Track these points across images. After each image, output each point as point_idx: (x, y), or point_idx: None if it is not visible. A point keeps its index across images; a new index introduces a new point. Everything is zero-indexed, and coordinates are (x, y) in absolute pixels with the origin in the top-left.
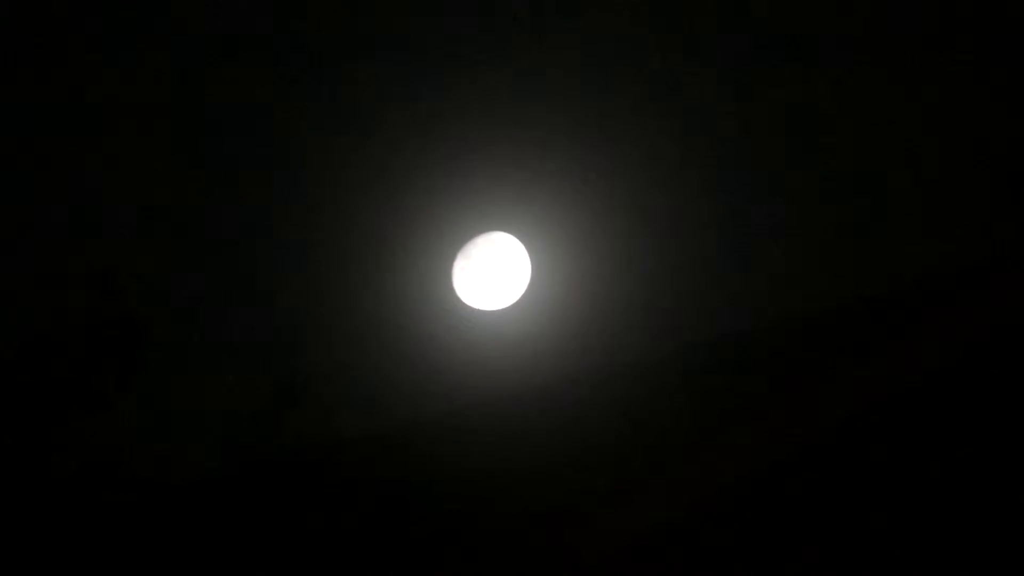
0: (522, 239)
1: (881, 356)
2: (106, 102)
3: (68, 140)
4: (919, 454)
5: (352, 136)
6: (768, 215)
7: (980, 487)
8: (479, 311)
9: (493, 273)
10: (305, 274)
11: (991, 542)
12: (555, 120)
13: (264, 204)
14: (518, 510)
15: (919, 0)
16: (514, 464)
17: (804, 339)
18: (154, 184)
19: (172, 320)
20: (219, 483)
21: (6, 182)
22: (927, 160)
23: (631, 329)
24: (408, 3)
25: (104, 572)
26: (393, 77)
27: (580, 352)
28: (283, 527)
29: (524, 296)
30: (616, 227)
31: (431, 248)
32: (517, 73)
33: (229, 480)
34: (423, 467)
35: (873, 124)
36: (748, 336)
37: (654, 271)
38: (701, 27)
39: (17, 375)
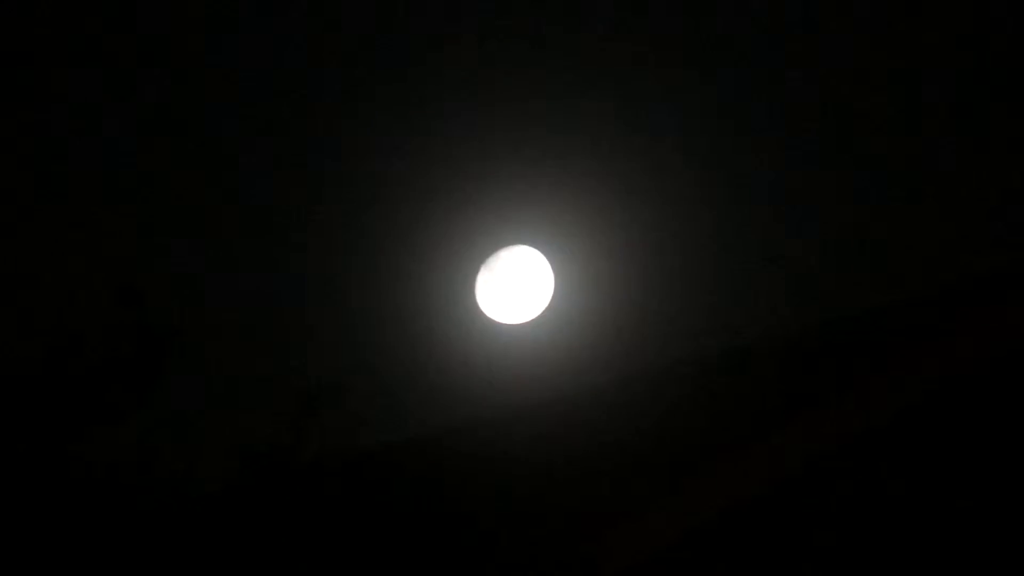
0: (545, 253)
1: (912, 362)
2: (130, 105)
3: (92, 145)
4: (941, 462)
5: (377, 149)
6: (795, 224)
7: (997, 500)
8: (502, 324)
9: (516, 287)
10: (328, 286)
11: (1007, 554)
12: (579, 135)
13: (287, 215)
14: (542, 518)
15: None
16: (537, 474)
17: (833, 346)
18: (176, 191)
19: (193, 329)
20: (240, 493)
21: (27, 190)
22: (941, 164)
23: (653, 341)
24: (438, 14)
25: None
26: (420, 90)
27: (602, 365)
28: (304, 536)
29: (547, 310)
30: (638, 241)
31: (455, 261)
32: (542, 87)
33: (250, 490)
34: (445, 477)
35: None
36: (773, 346)
37: (677, 284)
38: (728, 39)
39: (37, 384)
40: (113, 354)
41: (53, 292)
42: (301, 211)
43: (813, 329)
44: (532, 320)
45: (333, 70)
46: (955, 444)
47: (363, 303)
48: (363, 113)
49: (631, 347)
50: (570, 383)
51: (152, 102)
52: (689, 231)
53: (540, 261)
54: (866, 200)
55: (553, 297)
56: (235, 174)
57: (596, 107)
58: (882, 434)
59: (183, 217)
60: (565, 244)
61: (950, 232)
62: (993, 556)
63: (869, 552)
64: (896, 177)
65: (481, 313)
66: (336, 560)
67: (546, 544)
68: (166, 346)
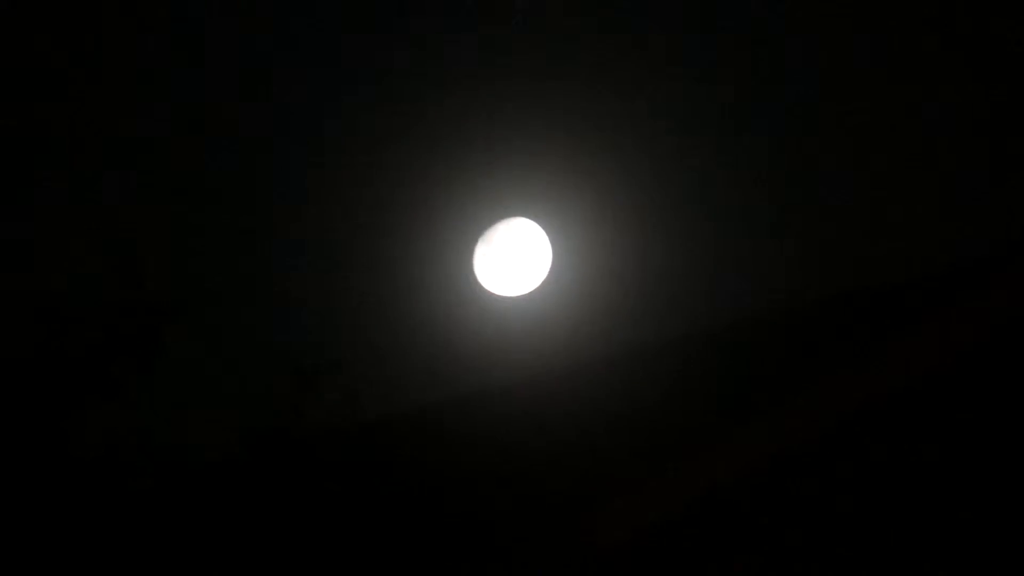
0: (543, 225)
1: (914, 338)
2: (131, 92)
3: (94, 129)
4: (940, 438)
5: (376, 123)
6: (796, 197)
7: (986, 486)
8: (500, 297)
9: (514, 259)
10: (325, 260)
11: (996, 542)
12: (577, 106)
13: (285, 189)
14: (536, 493)
15: None
16: (533, 448)
17: (832, 322)
18: (175, 164)
19: (192, 305)
20: (239, 467)
21: (28, 167)
22: (931, 152)
23: (652, 315)
24: None
25: (125, 559)
26: (419, 65)
27: (600, 338)
28: (303, 509)
29: (545, 282)
30: (637, 213)
31: (452, 234)
32: (541, 58)
33: (249, 463)
34: (442, 450)
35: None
36: (771, 321)
37: (675, 257)
38: (728, 15)
39: (37, 361)
40: (111, 330)
41: (51, 269)
42: (299, 185)
43: (813, 305)
44: (530, 292)
45: (333, 42)
46: (956, 420)
47: (361, 276)
48: (362, 87)
49: (629, 320)
50: (568, 355)
51: (151, 70)
52: (688, 204)
53: (538, 233)
54: (867, 175)
55: (551, 269)
56: (234, 146)
57: (595, 81)
58: (884, 410)
59: (181, 192)
60: (563, 216)
61: (952, 210)
62: (990, 532)
63: (869, 526)
64: (898, 154)
65: (479, 285)
66: (334, 532)
67: (543, 516)
68: (164, 322)
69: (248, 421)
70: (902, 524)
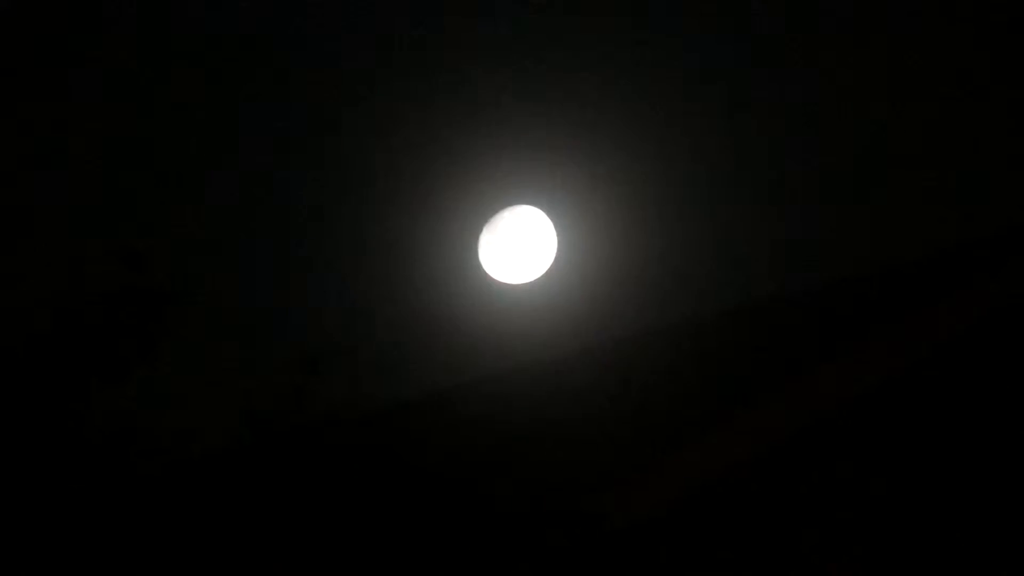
0: (549, 213)
1: (913, 325)
2: (132, 72)
3: (94, 108)
4: (934, 432)
5: (379, 112)
6: (797, 186)
7: (986, 478)
8: (505, 285)
9: (519, 247)
10: (331, 246)
11: (998, 536)
12: (583, 93)
13: (289, 174)
14: (541, 480)
15: None
16: (537, 435)
17: (835, 309)
18: (181, 152)
19: (195, 290)
20: (242, 454)
21: (31, 155)
22: (936, 133)
23: (656, 302)
24: None
25: (127, 545)
26: (421, 52)
27: (605, 325)
28: (306, 496)
29: (550, 270)
30: (642, 201)
31: (457, 222)
32: (546, 45)
33: (252, 450)
34: (447, 437)
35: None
36: (776, 307)
37: (680, 244)
38: (731, 11)
39: (39, 347)
40: (115, 316)
41: (56, 255)
42: (302, 174)
43: (815, 290)
44: (535, 280)
45: (333, 34)
46: (953, 406)
47: (366, 264)
48: (365, 76)
49: (633, 307)
50: (573, 343)
51: (154, 65)
52: (693, 191)
53: (543, 221)
54: (868, 162)
55: (556, 257)
56: (235, 138)
57: (599, 67)
58: (882, 394)
59: (184, 180)
60: (568, 204)
61: (948, 198)
62: (988, 511)
63: (868, 512)
64: (897, 139)
65: (484, 273)
66: (338, 518)
67: (548, 500)
68: (168, 306)
69: (253, 406)
70: (904, 508)
